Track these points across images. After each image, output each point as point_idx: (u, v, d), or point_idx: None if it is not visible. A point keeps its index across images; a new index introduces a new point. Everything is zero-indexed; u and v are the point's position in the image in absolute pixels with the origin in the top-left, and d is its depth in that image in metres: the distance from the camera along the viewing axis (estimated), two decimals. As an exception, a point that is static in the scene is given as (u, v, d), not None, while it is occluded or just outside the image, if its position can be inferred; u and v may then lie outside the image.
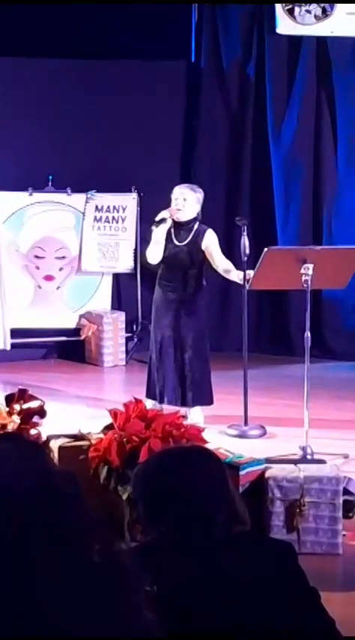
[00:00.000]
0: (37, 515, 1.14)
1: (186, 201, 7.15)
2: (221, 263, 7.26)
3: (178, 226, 7.21)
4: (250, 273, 6.97)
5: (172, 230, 7.21)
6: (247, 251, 7.20)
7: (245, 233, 7.26)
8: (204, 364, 7.34)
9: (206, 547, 2.40)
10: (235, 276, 7.19)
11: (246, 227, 7.26)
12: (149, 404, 6.86)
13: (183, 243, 7.19)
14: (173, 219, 7.19)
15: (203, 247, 7.21)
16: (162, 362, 7.27)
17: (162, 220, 7.13)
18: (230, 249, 8.28)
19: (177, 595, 2.16)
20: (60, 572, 1.10)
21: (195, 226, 7.22)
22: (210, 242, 7.24)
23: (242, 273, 7.07)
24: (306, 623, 2.40)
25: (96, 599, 1.09)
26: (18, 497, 1.17)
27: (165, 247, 7.19)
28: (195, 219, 7.23)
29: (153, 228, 7.18)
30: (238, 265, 7.28)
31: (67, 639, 1.06)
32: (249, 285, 6.97)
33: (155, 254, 7.18)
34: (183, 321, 7.22)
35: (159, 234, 7.13)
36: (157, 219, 7.18)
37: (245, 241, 7.22)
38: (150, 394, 7.33)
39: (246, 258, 7.18)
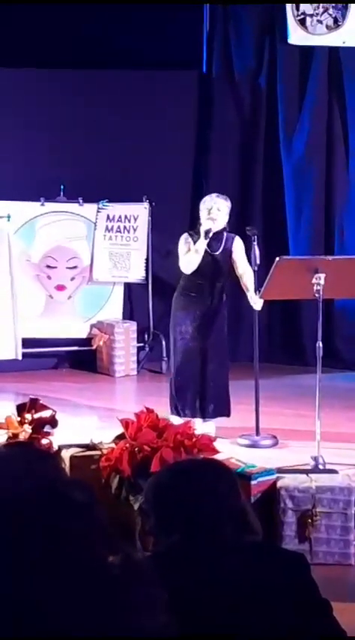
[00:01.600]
0: (39, 519, 1.14)
1: (220, 211, 7.17)
2: (246, 270, 7.26)
3: (210, 236, 7.22)
4: (259, 301, 7.09)
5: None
6: (258, 261, 7.20)
7: (255, 243, 7.25)
8: (225, 376, 7.33)
9: (215, 556, 2.40)
10: (251, 295, 7.19)
11: (256, 237, 7.26)
12: (176, 420, 6.81)
13: (217, 253, 7.21)
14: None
15: (233, 254, 7.26)
16: (185, 373, 7.23)
17: (208, 231, 7.12)
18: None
19: (186, 603, 2.15)
20: (60, 575, 1.10)
21: (225, 235, 7.26)
22: (238, 248, 7.29)
23: (255, 298, 7.11)
24: (315, 634, 2.39)
25: (105, 602, 1.09)
26: (19, 500, 1.17)
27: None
28: (224, 229, 7.26)
29: (204, 239, 7.14)
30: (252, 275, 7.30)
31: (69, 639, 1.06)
32: (261, 295, 6.96)
33: (194, 264, 7.14)
34: (208, 332, 7.20)
35: (201, 245, 7.11)
36: (206, 229, 7.13)
37: (255, 251, 7.21)
38: (183, 410, 7.22)
39: (256, 268, 7.18)
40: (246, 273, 7.25)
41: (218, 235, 7.21)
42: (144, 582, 1.15)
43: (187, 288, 7.27)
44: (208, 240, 7.12)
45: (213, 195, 7.33)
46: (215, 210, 7.16)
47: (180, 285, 7.37)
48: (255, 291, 7.08)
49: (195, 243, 7.15)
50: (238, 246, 7.30)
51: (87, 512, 1.19)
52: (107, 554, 1.14)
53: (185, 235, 7.31)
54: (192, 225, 7.70)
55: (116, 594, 1.11)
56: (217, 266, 7.21)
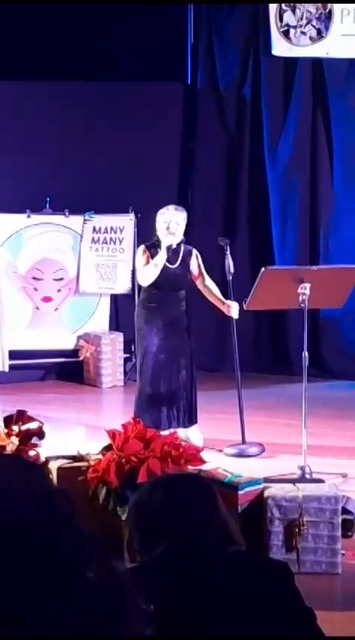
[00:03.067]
0: (27, 529, 1.16)
1: (179, 225, 7.16)
2: (207, 281, 7.35)
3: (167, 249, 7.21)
4: (234, 304, 7.16)
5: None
6: (232, 270, 7.29)
7: (228, 252, 7.34)
8: (194, 385, 7.35)
9: (198, 568, 2.42)
10: (226, 302, 7.25)
11: (228, 246, 7.34)
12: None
13: (175, 266, 7.21)
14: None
15: (191, 268, 7.28)
16: (157, 386, 7.19)
17: (170, 247, 7.13)
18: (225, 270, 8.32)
19: (170, 614, 2.17)
20: (43, 584, 1.11)
21: (182, 247, 7.26)
22: (196, 261, 7.31)
23: (229, 303, 7.21)
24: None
25: (89, 611, 1.11)
26: (6, 511, 1.18)
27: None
28: (182, 241, 7.26)
29: (164, 254, 7.12)
30: (238, 284, 7.35)
31: None
32: (246, 306, 6.98)
33: (152, 277, 7.15)
34: (173, 342, 7.20)
35: (160, 259, 7.11)
36: (167, 245, 7.14)
37: (229, 260, 7.29)
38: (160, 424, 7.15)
39: (230, 277, 7.28)
40: (208, 285, 7.33)
41: (175, 249, 7.20)
42: (126, 593, 1.16)
43: (148, 300, 7.26)
44: (164, 256, 7.11)
45: (171, 207, 7.24)
46: (174, 225, 7.14)
47: (140, 298, 7.41)
48: (242, 302, 7.09)
49: (152, 255, 7.15)
50: (195, 260, 7.32)
51: (73, 522, 1.20)
52: (92, 565, 1.15)
53: (142, 247, 7.30)
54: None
55: (96, 604, 1.13)
56: (176, 279, 7.21)
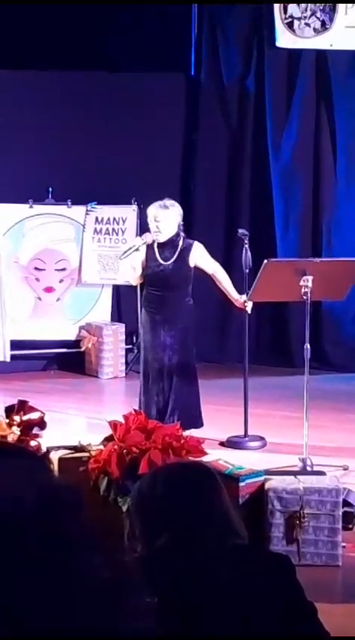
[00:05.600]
0: (29, 521, 1.16)
1: (160, 222, 6.79)
2: (215, 269, 7.00)
3: (161, 245, 6.86)
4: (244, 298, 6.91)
5: (156, 249, 6.87)
6: (250, 264, 7.10)
7: (246, 245, 7.22)
8: (192, 386, 7.00)
9: (200, 560, 2.41)
10: (234, 295, 7.00)
11: (247, 239, 7.23)
12: None
13: (168, 262, 6.84)
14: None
15: (191, 264, 6.89)
16: (149, 385, 6.97)
17: (132, 249, 6.84)
18: (229, 262, 8.29)
19: (171, 606, 2.17)
20: (48, 578, 1.11)
21: (180, 242, 6.87)
22: (199, 255, 6.92)
23: (240, 296, 6.95)
24: (300, 637, 2.40)
25: (93, 605, 1.11)
26: (9, 502, 1.18)
27: (149, 267, 6.87)
28: (177, 235, 6.87)
29: (121, 258, 6.89)
30: (239, 278, 7.21)
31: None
32: (249, 297, 6.96)
33: (133, 279, 6.95)
34: (170, 343, 6.88)
35: (132, 261, 6.83)
36: (126, 248, 6.92)
37: (247, 254, 7.17)
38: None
39: (247, 271, 7.12)
40: (216, 272, 6.98)
41: (170, 243, 6.85)
42: (133, 585, 1.16)
43: (145, 299, 7.01)
44: (130, 257, 6.80)
45: (155, 205, 6.89)
46: (154, 222, 6.82)
47: (142, 296, 7.15)
48: (245, 294, 7.00)
49: (146, 253, 6.86)
50: (197, 253, 6.91)
51: (76, 515, 1.20)
52: (96, 557, 1.15)
53: (121, 257, 7.05)
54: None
55: (105, 597, 1.12)
56: (169, 276, 6.84)
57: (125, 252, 6.93)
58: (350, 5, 9.79)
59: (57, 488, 1.27)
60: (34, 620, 1.08)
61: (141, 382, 7.08)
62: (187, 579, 2.35)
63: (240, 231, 7.39)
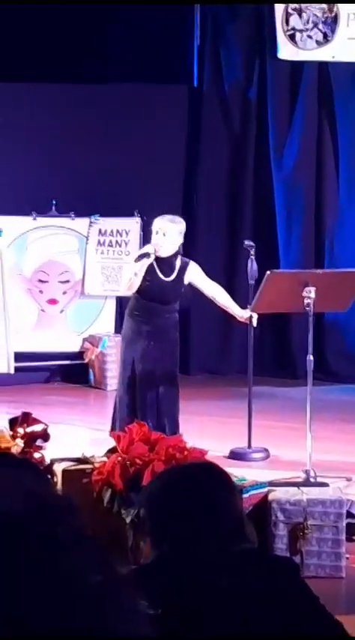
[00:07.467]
0: (27, 531, 1.17)
1: (166, 236, 6.75)
2: (215, 291, 6.97)
3: (160, 260, 6.80)
4: (248, 312, 6.86)
5: (155, 263, 6.78)
6: (256, 275, 7.06)
7: (253, 256, 7.20)
8: (176, 398, 6.94)
9: (203, 566, 2.39)
10: (237, 311, 6.94)
11: (253, 250, 7.22)
12: None
13: (169, 279, 6.81)
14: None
15: (186, 282, 6.87)
16: (130, 396, 6.91)
17: (146, 255, 6.78)
18: (232, 274, 8.31)
19: (170, 615, 2.16)
20: (42, 585, 1.12)
21: (178, 262, 6.84)
22: (194, 274, 6.89)
23: (243, 310, 6.89)
24: (313, 632, 2.40)
25: (89, 612, 1.12)
26: (7, 513, 1.19)
27: (149, 280, 6.79)
28: (176, 254, 6.83)
29: (135, 261, 6.80)
30: (241, 290, 7.21)
31: None
32: (251, 309, 6.95)
33: (133, 286, 6.83)
34: (158, 354, 6.83)
35: (139, 267, 6.77)
36: (141, 252, 6.90)
37: (253, 265, 7.16)
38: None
39: (253, 282, 7.10)
40: (216, 294, 6.94)
41: (168, 260, 6.81)
42: (124, 593, 1.17)
43: (135, 308, 6.92)
44: (143, 262, 6.72)
45: (164, 217, 6.86)
46: (160, 236, 6.75)
47: (128, 305, 7.07)
48: (247, 306, 6.97)
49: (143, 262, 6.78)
50: (193, 273, 6.88)
51: (74, 524, 1.21)
52: (92, 565, 1.16)
53: (136, 256, 7.00)
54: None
55: (96, 605, 1.13)
56: (167, 291, 6.81)
57: (140, 255, 6.83)
58: (352, 17, 9.83)
59: (45, 492, 1.28)
60: (34, 620, 1.10)
61: (123, 391, 6.96)
62: (187, 588, 2.34)
63: (246, 242, 7.38)
